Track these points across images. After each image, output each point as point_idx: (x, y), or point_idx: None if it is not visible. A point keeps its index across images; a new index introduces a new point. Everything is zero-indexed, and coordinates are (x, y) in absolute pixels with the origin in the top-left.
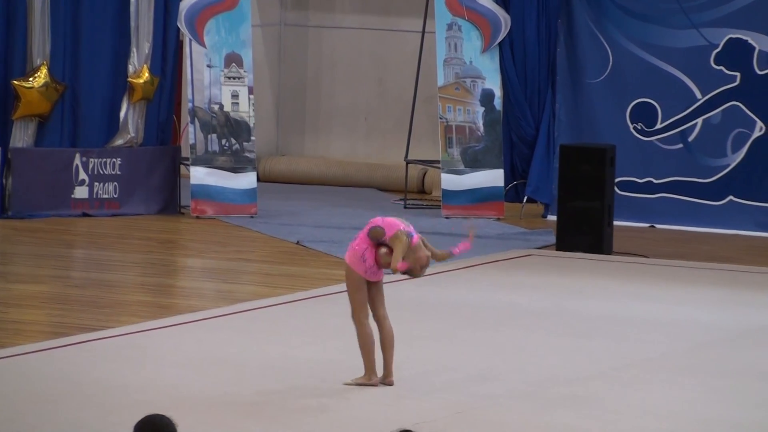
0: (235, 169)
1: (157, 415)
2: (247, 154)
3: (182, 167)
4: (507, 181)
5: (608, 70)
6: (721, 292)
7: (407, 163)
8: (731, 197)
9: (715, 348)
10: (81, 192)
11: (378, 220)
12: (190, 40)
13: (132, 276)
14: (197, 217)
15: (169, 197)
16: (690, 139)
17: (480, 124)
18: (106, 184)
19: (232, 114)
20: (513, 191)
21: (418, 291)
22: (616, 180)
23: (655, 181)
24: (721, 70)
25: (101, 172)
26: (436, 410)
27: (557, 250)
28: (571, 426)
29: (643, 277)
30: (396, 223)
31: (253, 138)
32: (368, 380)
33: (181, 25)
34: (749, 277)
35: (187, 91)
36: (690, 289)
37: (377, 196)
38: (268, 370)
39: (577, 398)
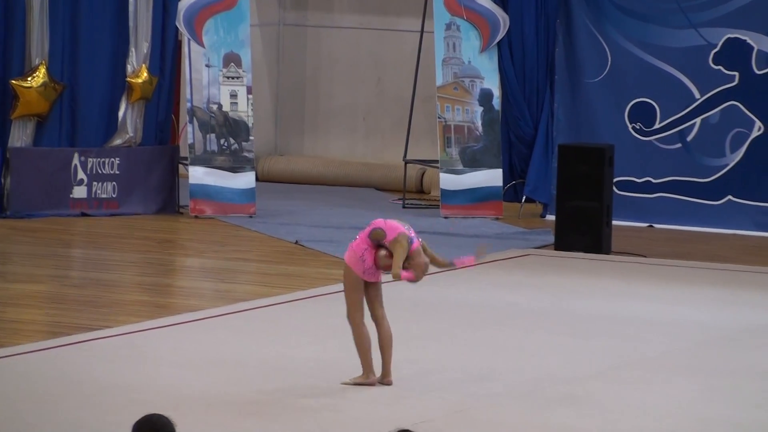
0: (233, 169)
1: (156, 414)
2: (246, 154)
3: (181, 167)
4: (505, 180)
5: (607, 70)
6: (719, 291)
7: (406, 163)
8: (730, 197)
9: (714, 347)
10: (79, 192)
11: (380, 222)
12: (189, 40)
13: (130, 275)
14: (196, 217)
15: (167, 197)
16: (688, 138)
17: (478, 123)
18: (105, 184)
19: (230, 114)
20: (511, 191)
21: (417, 291)
22: (615, 180)
23: (653, 180)
24: (719, 69)
25: (100, 171)
26: (435, 410)
27: (556, 249)
28: (570, 425)
29: (642, 276)
30: (398, 227)
31: (251, 138)
32: (366, 379)
33: (180, 24)
34: (748, 276)
35: (185, 91)
36: (688, 289)
37: (376, 196)
38: (266, 369)
39: (576, 398)
